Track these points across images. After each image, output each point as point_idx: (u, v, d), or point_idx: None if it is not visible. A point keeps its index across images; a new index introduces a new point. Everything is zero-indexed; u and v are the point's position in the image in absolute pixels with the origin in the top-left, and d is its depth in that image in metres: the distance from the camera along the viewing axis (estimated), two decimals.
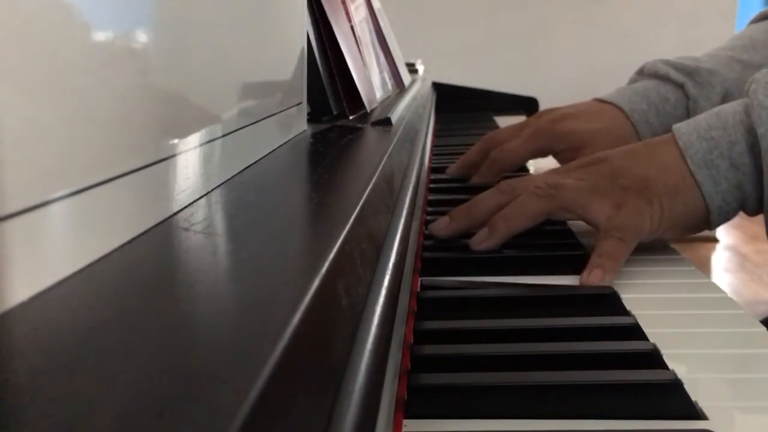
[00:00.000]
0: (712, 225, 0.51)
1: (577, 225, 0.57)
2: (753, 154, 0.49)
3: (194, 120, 0.30)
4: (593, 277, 0.46)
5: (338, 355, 0.19)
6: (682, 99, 0.72)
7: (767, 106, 0.49)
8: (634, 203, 0.49)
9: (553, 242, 0.53)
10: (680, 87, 0.72)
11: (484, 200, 0.53)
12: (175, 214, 0.26)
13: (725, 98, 0.71)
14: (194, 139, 0.29)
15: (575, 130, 0.71)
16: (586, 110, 0.75)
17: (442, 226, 0.53)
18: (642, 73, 0.77)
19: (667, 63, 0.75)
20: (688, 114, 0.71)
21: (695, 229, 0.52)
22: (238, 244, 0.24)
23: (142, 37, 0.25)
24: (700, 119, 0.52)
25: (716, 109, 0.53)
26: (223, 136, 0.33)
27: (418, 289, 0.44)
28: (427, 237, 0.54)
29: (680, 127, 0.52)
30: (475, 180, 0.75)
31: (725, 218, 0.51)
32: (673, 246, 0.55)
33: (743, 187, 0.50)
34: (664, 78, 0.73)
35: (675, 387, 0.31)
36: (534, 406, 0.31)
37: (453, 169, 0.80)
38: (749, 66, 0.72)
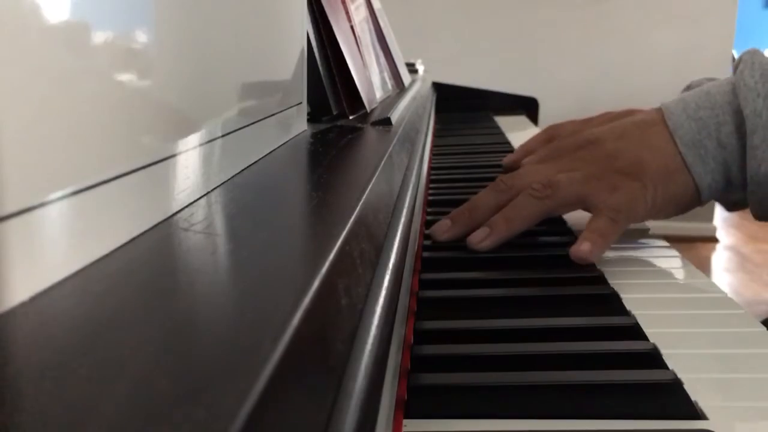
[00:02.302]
0: (703, 203, 0.53)
1: (577, 225, 0.57)
2: (740, 134, 0.50)
3: (194, 120, 0.30)
4: (582, 249, 0.47)
5: (338, 355, 0.19)
6: None
7: (753, 87, 0.49)
8: (629, 186, 0.50)
9: (553, 241, 0.53)
10: None
11: (483, 201, 0.53)
12: (175, 214, 0.26)
13: None
14: (194, 139, 0.29)
15: None
16: (646, 112, 0.77)
17: (443, 229, 0.53)
18: (689, 89, 0.79)
19: (711, 79, 0.78)
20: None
21: (687, 207, 0.53)
22: (238, 244, 0.24)
23: (142, 36, 0.25)
24: (689, 99, 0.53)
25: (705, 88, 0.54)
26: (223, 136, 0.33)
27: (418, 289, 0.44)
28: (427, 237, 0.54)
29: (669, 107, 0.53)
30: (531, 159, 0.73)
31: (714, 195, 0.53)
32: (673, 246, 0.55)
33: (729, 166, 0.51)
34: None
35: (675, 387, 0.31)
36: (534, 406, 0.31)
37: (509, 159, 0.78)
38: None
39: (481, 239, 0.51)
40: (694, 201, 0.53)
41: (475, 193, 0.55)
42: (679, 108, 0.53)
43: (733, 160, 0.51)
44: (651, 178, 0.50)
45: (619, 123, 0.56)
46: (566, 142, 0.57)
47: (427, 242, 0.53)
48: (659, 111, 0.54)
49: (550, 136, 0.76)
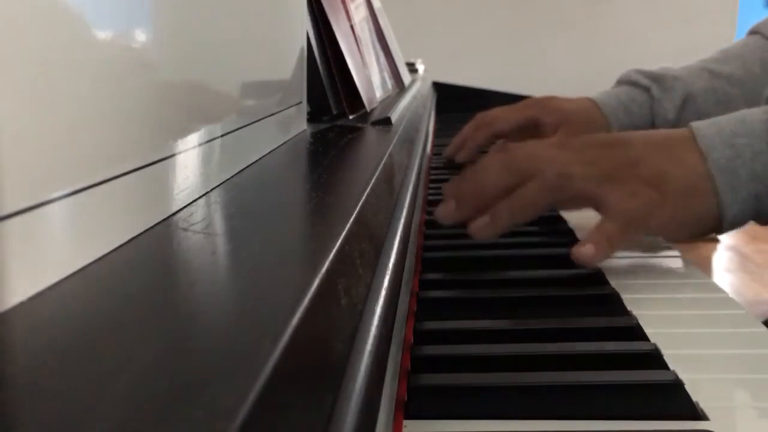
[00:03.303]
0: (723, 231, 0.50)
1: (578, 225, 0.57)
2: None
3: (194, 119, 0.30)
4: (584, 251, 0.45)
5: (338, 355, 0.19)
6: (647, 100, 0.84)
7: None
8: (648, 195, 0.47)
9: (554, 241, 0.53)
10: (647, 90, 0.84)
11: (491, 181, 0.50)
12: (175, 213, 0.26)
13: (686, 101, 0.82)
14: (194, 139, 0.29)
15: (562, 107, 0.84)
16: (571, 98, 0.88)
17: (448, 212, 0.51)
18: (620, 82, 0.89)
19: (637, 71, 0.86)
20: (652, 113, 0.83)
21: (703, 233, 0.50)
22: (237, 243, 0.24)
23: (141, 36, 0.25)
24: (723, 124, 0.50)
25: (740, 115, 0.51)
26: (223, 135, 0.33)
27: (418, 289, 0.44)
28: (428, 237, 0.54)
29: (700, 129, 0.50)
30: (469, 144, 0.85)
31: (736, 227, 0.50)
32: (674, 246, 0.54)
33: (761, 199, 0.48)
34: (635, 83, 0.85)
35: (676, 387, 0.31)
36: (534, 406, 0.30)
37: (448, 150, 0.88)
38: (717, 75, 0.84)
39: (482, 228, 0.49)
40: (712, 228, 0.49)
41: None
42: (712, 131, 0.49)
43: (766, 194, 0.48)
44: (673, 193, 0.47)
45: (652, 133, 0.53)
46: (592, 137, 0.53)
47: (428, 242, 0.53)
48: (689, 131, 0.50)
49: (480, 123, 0.85)
